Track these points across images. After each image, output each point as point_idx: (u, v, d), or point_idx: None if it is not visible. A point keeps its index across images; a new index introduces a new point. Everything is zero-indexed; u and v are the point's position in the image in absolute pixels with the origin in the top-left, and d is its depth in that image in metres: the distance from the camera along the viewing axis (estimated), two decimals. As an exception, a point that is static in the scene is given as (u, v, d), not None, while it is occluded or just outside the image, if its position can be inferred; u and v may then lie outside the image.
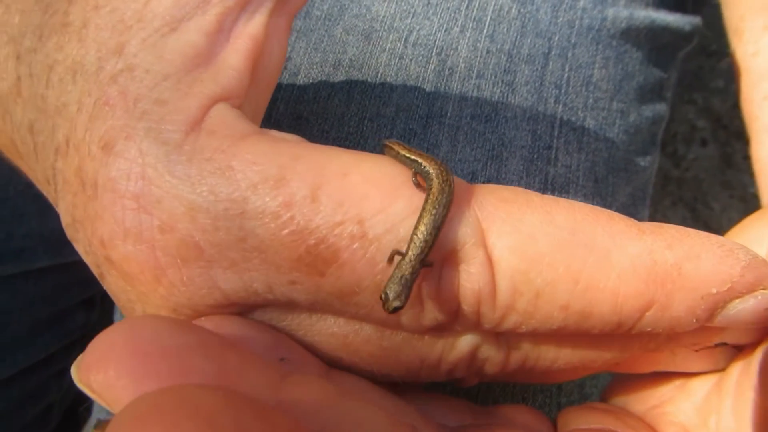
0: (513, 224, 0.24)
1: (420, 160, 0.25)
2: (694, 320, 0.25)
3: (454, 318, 0.26)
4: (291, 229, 0.23)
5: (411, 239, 0.23)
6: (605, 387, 0.33)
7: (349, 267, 0.24)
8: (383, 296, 0.23)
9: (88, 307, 0.64)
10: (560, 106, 0.42)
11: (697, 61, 0.81)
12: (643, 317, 0.25)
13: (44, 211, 0.58)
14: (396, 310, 0.23)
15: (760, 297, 0.24)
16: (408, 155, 0.25)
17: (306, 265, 0.24)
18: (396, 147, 0.26)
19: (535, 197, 0.25)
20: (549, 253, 0.24)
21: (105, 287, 0.27)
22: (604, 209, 0.25)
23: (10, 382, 0.57)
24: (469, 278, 0.24)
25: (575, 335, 0.26)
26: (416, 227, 0.23)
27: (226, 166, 0.23)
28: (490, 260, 0.24)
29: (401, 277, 0.23)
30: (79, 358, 0.21)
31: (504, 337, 0.27)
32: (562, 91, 0.43)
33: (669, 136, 0.93)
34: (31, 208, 0.57)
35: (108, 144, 0.23)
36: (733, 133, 0.88)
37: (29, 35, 0.26)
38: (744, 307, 0.25)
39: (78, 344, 0.64)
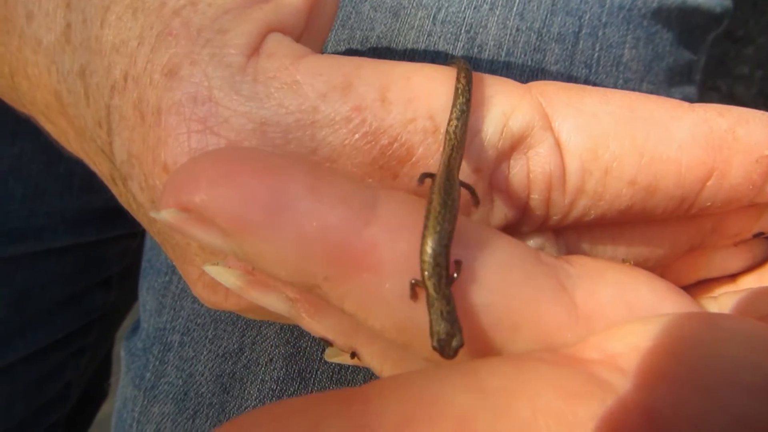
0: (575, 106, 0.25)
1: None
2: (751, 187, 0.25)
3: (522, 213, 0.26)
4: (363, 131, 0.23)
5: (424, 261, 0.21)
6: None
7: (423, 164, 0.24)
8: (437, 345, 0.20)
9: (106, 288, 0.64)
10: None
11: (722, 47, 0.80)
12: (704, 188, 0.25)
13: (65, 191, 0.58)
14: (459, 348, 0.20)
15: None
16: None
17: (379, 168, 0.24)
18: (458, 63, 0.25)
19: (588, 86, 0.26)
20: (613, 129, 0.24)
21: (160, 228, 0.27)
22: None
23: (31, 359, 0.57)
24: (540, 162, 0.25)
25: (635, 224, 0.27)
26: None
27: (292, 81, 0.23)
28: (558, 142, 0.25)
29: (441, 312, 0.20)
30: (168, 187, 0.20)
31: (564, 239, 0.28)
32: (592, 70, 0.42)
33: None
34: (53, 186, 0.57)
35: (172, 70, 0.23)
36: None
37: None
38: None
39: (96, 324, 0.64)
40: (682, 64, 0.48)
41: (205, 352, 0.40)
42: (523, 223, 0.27)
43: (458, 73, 0.24)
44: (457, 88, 0.24)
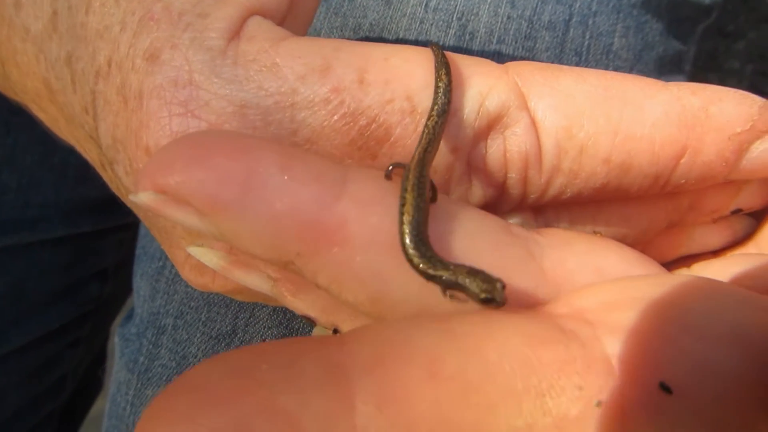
0: (551, 86, 0.25)
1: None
2: (724, 164, 0.26)
3: (500, 191, 0.26)
4: (342, 113, 0.24)
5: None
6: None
7: (401, 144, 0.24)
8: (485, 296, 0.20)
9: (101, 280, 0.65)
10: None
11: (713, 42, 0.81)
12: (678, 166, 0.26)
13: (60, 182, 0.58)
14: (504, 287, 0.20)
15: None
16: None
17: (358, 148, 0.24)
18: (435, 51, 0.26)
19: (564, 66, 0.26)
20: (588, 108, 0.25)
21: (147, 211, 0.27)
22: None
23: (26, 350, 0.57)
24: (516, 141, 0.25)
25: (612, 201, 0.27)
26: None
27: (272, 63, 0.24)
28: (533, 122, 0.25)
29: (467, 272, 0.21)
30: (144, 170, 0.21)
31: (543, 218, 0.28)
32: (582, 58, 0.42)
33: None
34: (48, 177, 0.57)
35: (153, 54, 0.24)
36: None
37: None
38: (766, 147, 0.26)
39: (91, 316, 0.64)
40: (672, 53, 0.48)
41: (198, 335, 0.40)
42: (502, 201, 0.27)
43: (439, 71, 0.25)
44: (438, 87, 0.24)
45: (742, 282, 0.25)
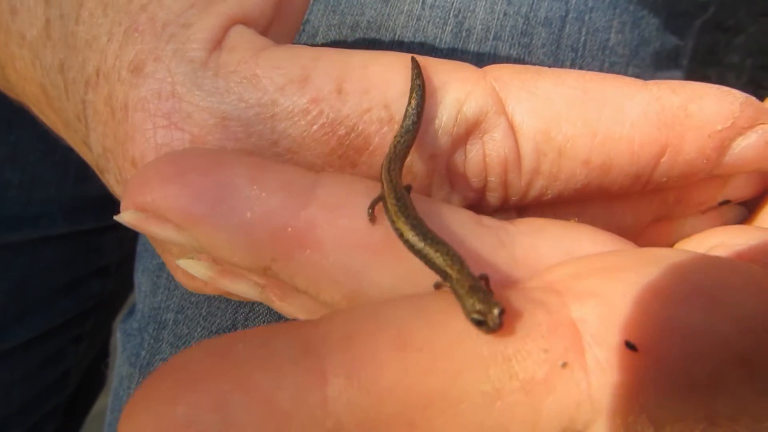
0: (529, 90, 0.25)
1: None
2: (705, 161, 0.26)
3: (481, 195, 0.27)
4: (321, 123, 0.24)
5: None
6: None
7: (380, 152, 0.25)
8: (476, 317, 0.19)
9: (103, 276, 0.65)
10: (576, 69, 0.43)
11: (712, 36, 0.81)
12: (659, 164, 0.26)
13: (62, 179, 0.58)
14: (502, 313, 0.19)
15: (760, 132, 0.26)
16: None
17: (338, 157, 0.25)
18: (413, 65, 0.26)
19: (544, 68, 0.27)
20: (566, 111, 0.25)
21: None
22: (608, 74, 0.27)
23: (29, 346, 0.58)
24: (495, 146, 0.26)
25: (596, 201, 0.28)
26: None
27: (252, 74, 0.24)
28: (512, 126, 0.25)
29: (470, 287, 0.20)
30: (128, 190, 0.22)
31: (527, 217, 0.28)
32: (579, 54, 0.43)
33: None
34: (50, 174, 0.57)
35: (138, 67, 0.24)
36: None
37: None
38: (748, 143, 0.26)
39: (93, 312, 0.65)
40: (669, 48, 0.48)
41: (199, 329, 0.40)
42: (483, 204, 0.27)
43: (412, 91, 0.25)
44: (407, 110, 0.24)
45: (721, 252, 0.25)
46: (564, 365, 0.19)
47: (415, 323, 0.19)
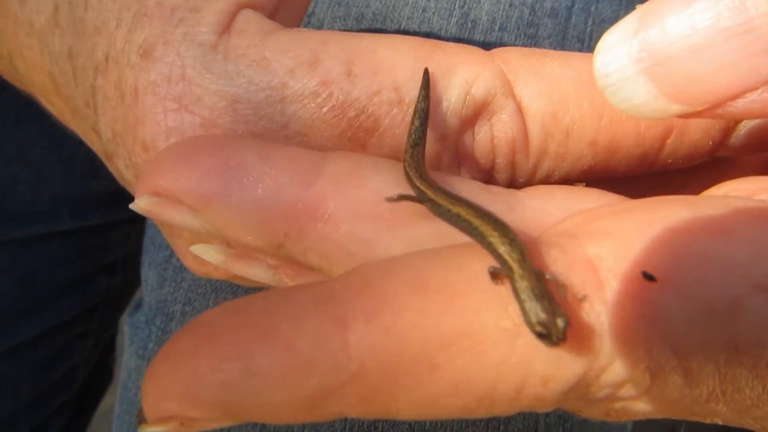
0: (536, 72, 0.26)
1: None
2: (710, 143, 0.26)
3: (489, 176, 0.27)
4: (331, 105, 0.24)
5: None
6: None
7: (390, 133, 0.25)
8: (540, 329, 0.18)
9: (110, 272, 0.65)
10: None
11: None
12: (664, 146, 0.26)
13: (69, 175, 0.59)
14: (566, 328, 0.18)
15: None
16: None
17: (348, 139, 0.25)
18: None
19: (551, 51, 0.27)
20: (573, 93, 0.25)
21: None
22: None
23: (37, 342, 0.58)
24: (503, 127, 0.26)
25: (602, 180, 0.28)
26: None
27: (261, 57, 0.24)
28: (519, 107, 0.26)
29: (533, 291, 0.18)
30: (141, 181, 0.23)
31: None
32: (585, 45, 0.43)
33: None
34: (57, 170, 0.57)
35: (147, 51, 0.24)
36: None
37: None
38: (754, 124, 0.26)
39: (100, 308, 0.65)
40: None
41: None
42: (490, 185, 0.27)
43: (413, 114, 0.25)
44: (410, 131, 0.24)
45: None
46: (583, 298, 0.19)
47: (431, 267, 0.19)
